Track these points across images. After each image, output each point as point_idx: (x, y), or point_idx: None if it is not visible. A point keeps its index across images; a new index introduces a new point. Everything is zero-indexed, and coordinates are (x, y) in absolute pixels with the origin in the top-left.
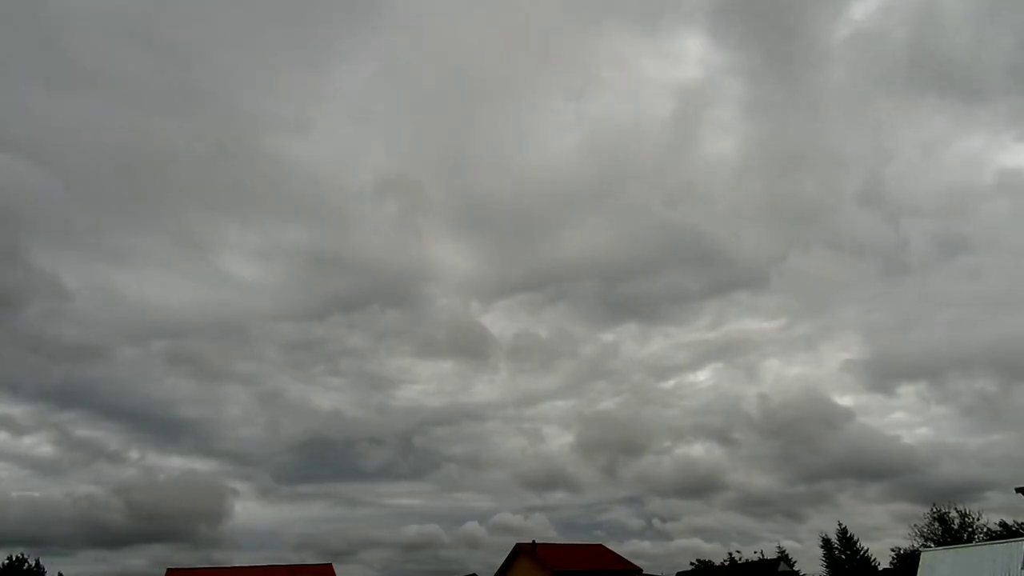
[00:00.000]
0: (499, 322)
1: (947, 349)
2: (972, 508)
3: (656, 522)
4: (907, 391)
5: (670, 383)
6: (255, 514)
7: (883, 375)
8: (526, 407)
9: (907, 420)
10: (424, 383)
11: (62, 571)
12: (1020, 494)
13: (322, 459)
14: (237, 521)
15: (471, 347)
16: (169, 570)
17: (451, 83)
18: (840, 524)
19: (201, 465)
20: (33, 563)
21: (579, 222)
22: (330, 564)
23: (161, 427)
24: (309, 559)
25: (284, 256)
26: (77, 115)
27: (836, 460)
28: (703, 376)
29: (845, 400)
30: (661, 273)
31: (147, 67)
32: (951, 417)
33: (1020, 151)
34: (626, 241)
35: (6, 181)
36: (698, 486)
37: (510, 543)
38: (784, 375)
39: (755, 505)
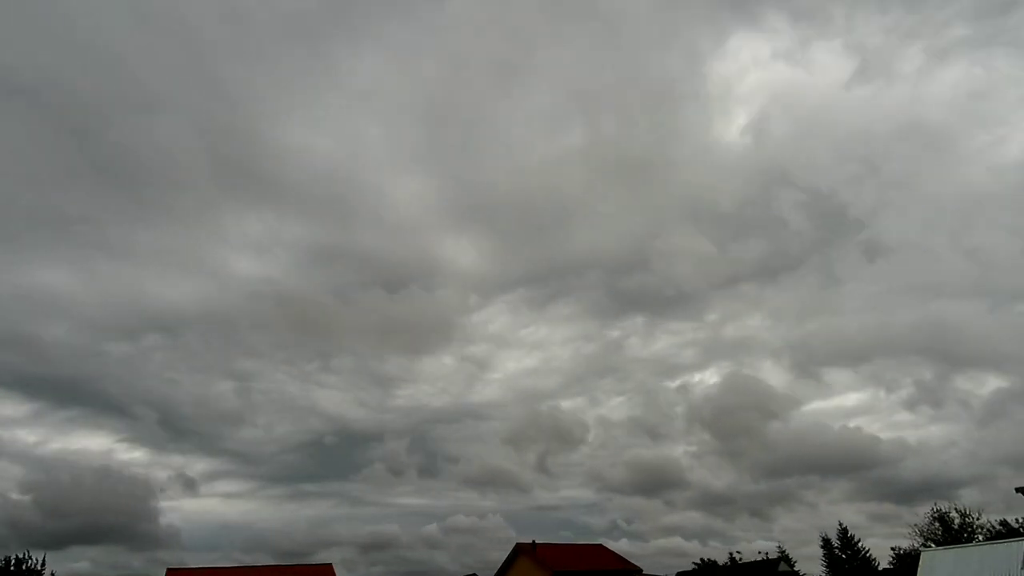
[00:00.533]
0: (501, 317)
1: (869, 336)
2: (941, 505)
3: (621, 522)
4: (847, 382)
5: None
6: (210, 513)
7: (810, 363)
8: (529, 405)
9: (864, 414)
10: (424, 381)
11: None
12: (1020, 494)
13: (307, 458)
14: (197, 520)
15: (472, 343)
16: (169, 570)
17: (458, 73)
18: (840, 524)
19: (179, 460)
20: (36, 562)
21: (584, 215)
22: (330, 564)
23: (153, 424)
24: (264, 559)
25: (284, 248)
26: (73, 101)
27: (793, 456)
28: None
29: (783, 391)
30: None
31: (149, 53)
32: (900, 408)
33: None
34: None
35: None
36: (655, 485)
37: (466, 544)
38: (707, 367)
39: (719, 504)
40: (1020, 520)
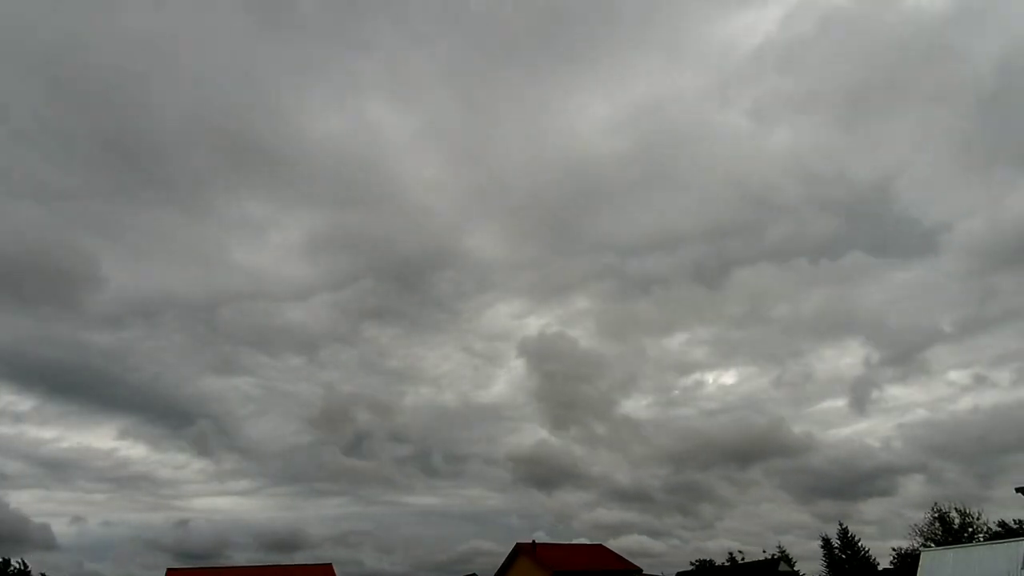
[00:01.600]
0: (512, 311)
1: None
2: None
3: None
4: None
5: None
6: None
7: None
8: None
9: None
10: (433, 377)
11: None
12: (1020, 494)
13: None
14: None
15: (481, 339)
16: (169, 570)
17: (474, 63)
18: (841, 524)
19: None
20: (19, 564)
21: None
22: (330, 564)
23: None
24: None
25: (293, 238)
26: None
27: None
28: None
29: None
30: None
31: (157, 29)
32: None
33: None
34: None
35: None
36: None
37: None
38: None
39: (635, 500)
40: (1018, 520)
